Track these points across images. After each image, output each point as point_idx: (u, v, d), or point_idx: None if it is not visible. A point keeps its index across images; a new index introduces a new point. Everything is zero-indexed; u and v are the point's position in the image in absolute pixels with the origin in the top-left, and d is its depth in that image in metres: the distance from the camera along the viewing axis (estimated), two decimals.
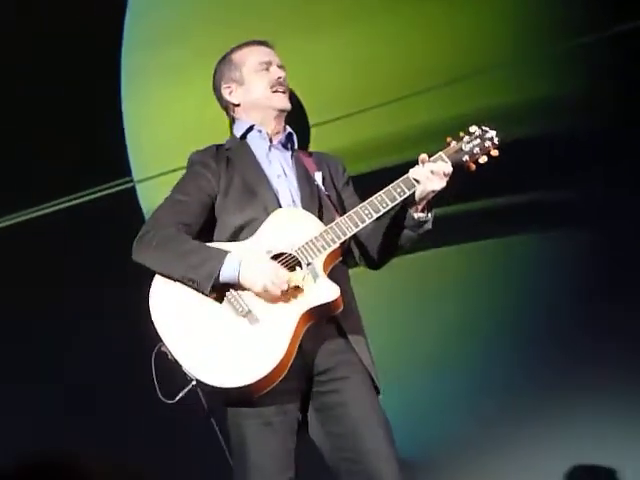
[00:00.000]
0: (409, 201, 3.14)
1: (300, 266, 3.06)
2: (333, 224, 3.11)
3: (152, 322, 3.03)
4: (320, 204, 3.24)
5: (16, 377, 5.02)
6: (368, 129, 5.15)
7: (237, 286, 3.05)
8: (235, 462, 3.13)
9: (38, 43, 5.31)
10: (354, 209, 3.13)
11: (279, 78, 3.37)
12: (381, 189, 3.14)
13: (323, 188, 3.29)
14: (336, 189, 3.37)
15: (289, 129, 3.41)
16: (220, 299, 3.05)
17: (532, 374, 4.81)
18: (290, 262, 3.07)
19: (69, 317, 5.06)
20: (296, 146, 3.42)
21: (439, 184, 3.09)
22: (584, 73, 4.97)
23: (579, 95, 4.93)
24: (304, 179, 3.29)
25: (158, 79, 5.35)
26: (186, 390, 2.99)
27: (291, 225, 3.12)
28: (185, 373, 2.98)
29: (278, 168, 3.30)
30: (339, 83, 5.19)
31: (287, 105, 3.39)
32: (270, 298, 3.03)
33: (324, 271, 3.06)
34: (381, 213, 3.12)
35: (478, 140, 3.19)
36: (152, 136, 5.39)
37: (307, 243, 3.07)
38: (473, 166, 3.18)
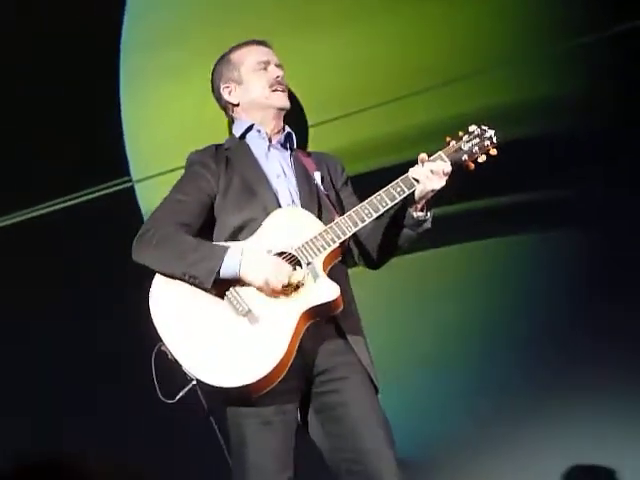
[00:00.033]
0: (408, 200, 3.15)
1: (300, 266, 3.05)
2: (333, 224, 3.11)
3: (152, 322, 3.02)
4: (319, 204, 3.24)
5: (16, 377, 5.01)
6: (366, 129, 5.16)
7: (237, 284, 3.05)
8: (234, 461, 3.13)
9: (38, 43, 5.31)
10: (354, 208, 3.13)
11: (277, 77, 3.37)
12: (379, 189, 3.14)
13: (322, 188, 3.29)
14: (335, 189, 3.37)
15: (288, 129, 3.41)
16: (220, 299, 3.04)
17: (531, 374, 4.82)
18: (290, 261, 3.06)
19: (68, 317, 5.06)
20: (295, 146, 3.41)
21: (438, 183, 3.09)
22: (584, 73, 4.98)
23: (579, 95, 4.93)
24: (303, 179, 3.29)
25: (157, 80, 5.36)
26: (186, 390, 2.99)
27: (291, 225, 3.12)
28: (185, 373, 2.98)
29: (277, 168, 3.30)
30: (337, 83, 5.20)
31: (286, 103, 3.39)
32: (270, 297, 3.02)
33: (324, 270, 3.06)
34: (381, 212, 3.12)
35: (477, 139, 3.19)
36: (151, 136, 5.40)
37: (307, 243, 3.07)
38: (472, 165, 3.18)
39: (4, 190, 5.27)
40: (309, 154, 3.46)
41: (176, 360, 2.98)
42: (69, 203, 5.32)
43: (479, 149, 3.17)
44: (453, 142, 3.18)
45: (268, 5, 5.30)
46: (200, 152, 3.35)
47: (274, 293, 3.03)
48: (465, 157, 3.16)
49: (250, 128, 3.36)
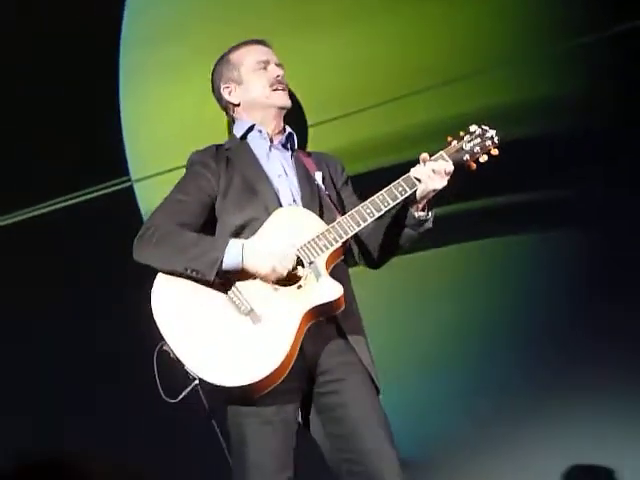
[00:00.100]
0: (410, 200, 3.15)
1: (302, 265, 3.05)
2: (335, 223, 3.11)
3: (154, 321, 3.02)
4: (321, 204, 3.24)
5: (17, 376, 5.01)
6: (366, 129, 5.16)
7: (239, 283, 3.04)
8: (234, 461, 3.12)
9: (38, 43, 5.31)
10: (355, 208, 3.13)
11: (278, 76, 3.37)
12: (378, 189, 3.14)
13: (323, 188, 3.29)
14: (336, 189, 3.37)
15: (289, 129, 3.41)
16: (222, 298, 3.04)
17: (531, 374, 4.83)
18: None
19: (68, 316, 5.05)
20: (296, 146, 3.41)
21: (440, 183, 3.10)
22: (584, 73, 4.98)
23: (579, 95, 4.94)
24: (304, 179, 3.29)
25: (156, 77, 5.36)
26: (189, 389, 2.99)
27: (292, 224, 3.11)
28: (187, 372, 2.98)
29: (279, 168, 3.29)
30: (337, 83, 5.20)
31: (287, 102, 3.38)
32: (273, 296, 3.02)
33: (326, 270, 3.06)
34: (382, 212, 3.12)
35: (478, 139, 3.20)
36: (150, 134, 5.40)
37: (309, 242, 3.07)
38: (474, 165, 3.19)
39: (4, 190, 5.26)
40: (309, 154, 3.46)
41: (178, 359, 2.98)
42: (68, 203, 5.31)
43: (480, 149, 3.18)
44: (454, 142, 3.19)
45: (268, 5, 5.30)
46: (201, 152, 3.34)
47: (279, 282, 3.03)
48: (467, 157, 3.16)
49: (251, 128, 3.36)
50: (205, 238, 3.11)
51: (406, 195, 3.12)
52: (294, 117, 3.50)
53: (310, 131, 5.10)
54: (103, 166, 5.31)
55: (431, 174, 3.09)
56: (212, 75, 3.46)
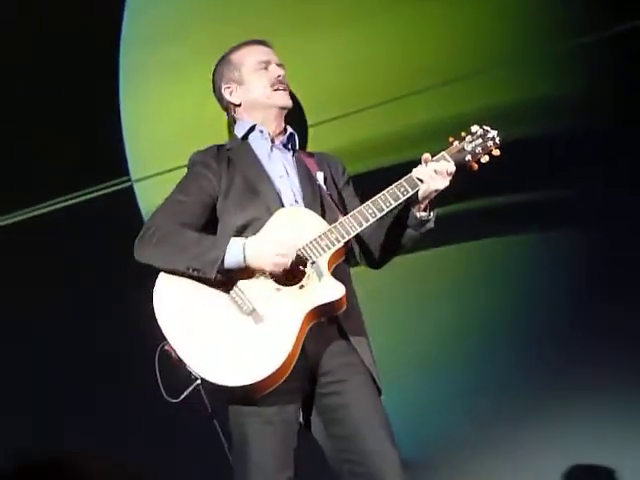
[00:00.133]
0: (411, 200, 3.15)
1: (304, 265, 3.05)
2: (337, 223, 3.11)
3: (156, 321, 3.02)
4: (322, 204, 3.24)
5: (17, 376, 5.01)
6: (366, 129, 5.16)
7: (241, 282, 3.04)
8: (235, 460, 3.12)
9: (38, 43, 5.30)
10: (358, 208, 3.13)
11: (279, 76, 3.36)
12: (378, 189, 3.14)
13: (325, 188, 3.29)
14: (337, 189, 3.37)
15: (290, 129, 3.41)
16: (224, 298, 3.04)
17: (531, 374, 4.83)
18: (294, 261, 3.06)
19: (68, 317, 5.05)
20: (297, 147, 3.41)
21: (442, 183, 3.10)
22: (584, 73, 4.99)
23: (579, 95, 4.94)
24: (306, 179, 3.29)
25: (156, 77, 5.36)
26: (191, 389, 2.99)
27: (294, 224, 3.11)
28: (189, 372, 2.98)
29: (280, 168, 3.29)
30: (337, 83, 5.20)
31: (288, 102, 3.38)
32: (275, 296, 3.02)
33: (328, 270, 3.06)
34: (384, 212, 3.12)
35: (480, 140, 3.20)
36: (150, 134, 5.40)
37: (311, 242, 3.07)
38: (475, 165, 3.19)
39: (4, 190, 5.27)
40: (311, 154, 3.46)
41: (180, 359, 2.98)
42: (68, 203, 5.31)
43: (482, 149, 3.18)
44: (456, 142, 3.19)
45: (268, 5, 5.30)
46: (202, 152, 3.34)
47: (281, 282, 3.03)
48: (468, 157, 3.16)
49: (252, 129, 3.35)
50: (206, 237, 3.11)
51: (408, 195, 3.11)
52: (294, 117, 3.50)
53: (310, 131, 5.10)
54: (103, 166, 5.31)
55: (433, 174, 3.09)
56: (213, 75, 3.46)
